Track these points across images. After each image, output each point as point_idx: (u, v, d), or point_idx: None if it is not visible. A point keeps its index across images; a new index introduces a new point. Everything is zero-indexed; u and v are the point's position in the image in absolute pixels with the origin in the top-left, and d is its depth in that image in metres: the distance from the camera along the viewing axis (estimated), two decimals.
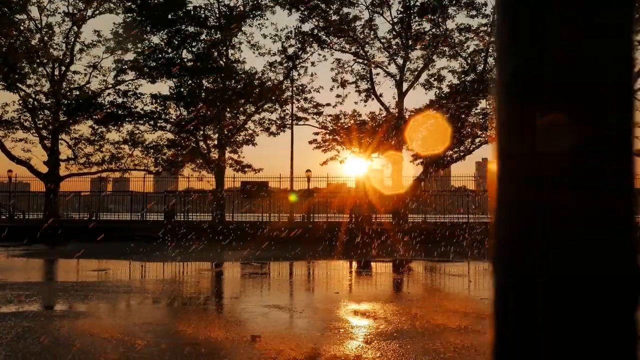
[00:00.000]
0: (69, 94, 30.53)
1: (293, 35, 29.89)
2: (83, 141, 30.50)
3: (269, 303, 8.98)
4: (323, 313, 8.17)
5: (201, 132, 29.39)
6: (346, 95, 30.93)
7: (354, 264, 15.83)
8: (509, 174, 0.50)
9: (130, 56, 29.66)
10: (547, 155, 0.49)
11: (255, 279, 13.10)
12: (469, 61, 28.58)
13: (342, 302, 9.08)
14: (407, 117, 29.19)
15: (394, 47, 29.69)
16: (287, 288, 11.50)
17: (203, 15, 28.28)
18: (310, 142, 30.56)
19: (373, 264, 16.00)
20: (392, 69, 30.29)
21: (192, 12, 27.92)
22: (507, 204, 0.49)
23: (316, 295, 10.63)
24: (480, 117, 28.37)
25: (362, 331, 6.81)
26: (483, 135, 29.01)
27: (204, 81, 28.78)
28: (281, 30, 31.58)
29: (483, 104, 28.10)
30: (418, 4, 27.90)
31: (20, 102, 30.02)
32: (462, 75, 28.48)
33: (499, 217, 0.49)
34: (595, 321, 0.46)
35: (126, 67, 29.42)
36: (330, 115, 30.62)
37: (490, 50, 28.25)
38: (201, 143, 29.48)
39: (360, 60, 30.46)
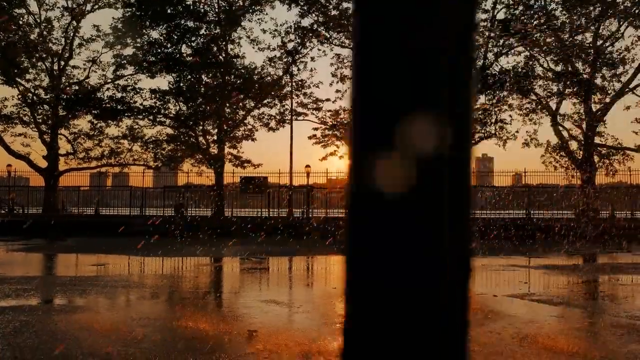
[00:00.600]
0: (68, 88, 30.48)
1: (292, 30, 29.85)
2: (82, 136, 30.49)
3: (267, 298, 9.00)
4: (321, 308, 8.20)
5: (200, 127, 29.37)
6: (346, 90, 30.88)
7: None
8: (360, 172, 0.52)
9: (129, 51, 29.64)
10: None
11: (254, 273, 13.12)
12: None
13: (341, 298, 9.10)
14: None
15: None
16: (285, 283, 11.52)
17: (202, 10, 28.22)
18: (310, 138, 30.57)
19: None
20: None
21: (191, 7, 27.85)
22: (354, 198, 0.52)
23: (314, 290, 10.65)
24: (480, 112, 28.34)
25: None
26: (482, 131, 29.00)
27: (203, 76, 28.74)
28: (281, 25, 31.50)
29: (482, 99, 28.08)
30: None
31: (20, 96, 30.00)
32: None
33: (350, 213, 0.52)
34: (424, 304, 0.49)
35: (125, 62, 29.38)
36: (329, 111, 30.63)
37: (489, 46, 28.19)
38: (200, 138, 29.46)
39: None
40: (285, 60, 30.19)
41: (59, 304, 8.51)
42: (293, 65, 29.99)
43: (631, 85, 28.48)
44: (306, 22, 29.46)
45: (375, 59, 0.53)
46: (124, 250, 17.23)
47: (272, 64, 30.37)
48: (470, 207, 0.53)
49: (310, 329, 6.68)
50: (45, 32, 30.45)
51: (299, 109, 30.39)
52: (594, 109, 29.07)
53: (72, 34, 30.93)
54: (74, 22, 30.90)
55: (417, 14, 0.50)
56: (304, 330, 6.56)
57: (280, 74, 30.29)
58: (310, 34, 29.40)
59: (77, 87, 30.42)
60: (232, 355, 5.43)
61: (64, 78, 31.00)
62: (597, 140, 29.45)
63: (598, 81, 28.94)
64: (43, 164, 30.23)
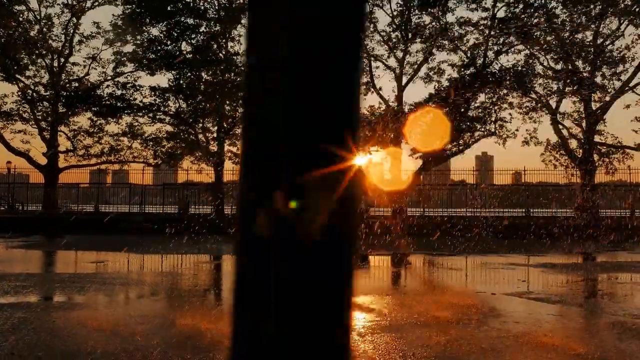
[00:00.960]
0: (68, 85, 30.45)
1: None
2: (82, 133, 30.47)
3: None
4: None
5: (200, 125, 29.34)
6: None
7: (358, 257, 15.83)
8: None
9: (129, 48, 29.60)
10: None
11: None
12: (468, 55, 28.47)
13: None
14: (406, 110, 29.15)
15: (394, 40, 29.61)
16: None
17: (202, 7, 28.17)
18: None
19: (369, 257, 16.00)
20: (392, 62, 30.24)
21: (191, 4, 27.80)
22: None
23: None
24: (480, 110, 28.32)
25: (355, 323, 6.83)
26: (482, 129, 28.97)
27: (203, 74, 28.69)
28: None
29: (482, 97, 28.06)
30: None
31: (19, 93, 29.98)
32: (462, 69, 28.38)
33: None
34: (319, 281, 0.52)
35: (125, 59, 29.34)
36: None
37: (490, 44, 28.15)
38: (200, 135, 29.45)
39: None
40: None
41: (57, 301, 8.53)
42: None
43: (631, 84, 28.46)
44: None
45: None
46: (123, 248, 17.24)
47: None
48: (353, 215, 0.53)
49: None
50: (45, 29, 30.42)
51: None
52: (593, 108, 29.05)
53: (72, 31, 30.92)
54: (74, 19, 30.88)
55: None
56: None
57: None
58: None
59: (77, 84, 30.40)
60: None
61: (63, 75, 30.97)
62: (596, 138, 29.43)
63: (598, 80, 28.90)
64: (43, 160, 30.26)
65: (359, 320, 7.09)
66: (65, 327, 6.81)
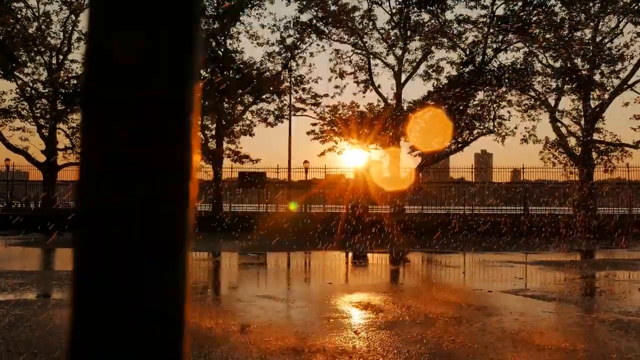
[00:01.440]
0: (66, 82, 30.43)
1: (292, 25, 29.78)
2: None
3: (261, 293, 9.03)
4: (315, 303, 8.22)
5: (199, 122, 29.29)
6: (344, 86, 30.97)
7: (349, 255, 15.87)
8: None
9: None
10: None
11: (250, 269, 13.15)
12: (467, 52, 28.47)
13: (335, 293, 9.13)
14: (405, 108, 29.16)
15: (393, 38, 29.59)
16: (281, 278, 11.55)
17: (201, 5, 28.10)
18: (308, 133, 30.56)
19: (367, 255, 16.04)
20: (391, 60, 30.23)
21: None
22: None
23: (309, 285, 10.68)
24: (478, 108, 28.34)
25: (351, 321, 6.85)
26: (481, 127, 28.99)
27: (201, 71, 28.65)
28: (280, 20, 31.47)
29: (480, 95, 28.08)
30: None
31: (18, 90, 29.96)
32: (461, 67, 28.39)
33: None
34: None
35: None
36: (328, 106, 30.60)
37: (489, 42, 28.15)
38: (199, 133, 29.42)
39: (359, 51, 30.39)
40: (284, 55, 30.15)
41: (54, 299, 8.54)
42: (292, 61, 29.95)
43: (630, 82, 28.45)
44: (305, 17, 29.40)
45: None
46: None
47: (271, 59, 30.35)
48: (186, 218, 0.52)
49: (302, 323, 6.71)
50: (43, 26, 30.40)
51: (298, 105, 30.41)
52: (592, 106, 29.05)
53: (70, 28, 30.90)
54: (73, 16, 30.86)
55: None
56: (296, 325, 6.59)
57: (279, 69, 30.26)
58: (309, 29, 29.35)
59: (75, 81, 30.37)
60: (224, 347, 5.46)
61: (62, 72, 30.95)
62: (595, 136, 29.45)
63: (597, 77, 28.90)
64: (41, 158, 30.23)
65: (356, 317, 7.11)
66: (61, 324, 6.82)
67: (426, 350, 5.44)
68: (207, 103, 28.27)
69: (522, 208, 29.39)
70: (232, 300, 8.58)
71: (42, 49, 30.32)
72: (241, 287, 10.28)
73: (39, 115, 30.06)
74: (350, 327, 6.51)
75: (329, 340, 5.83)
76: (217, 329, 6.32)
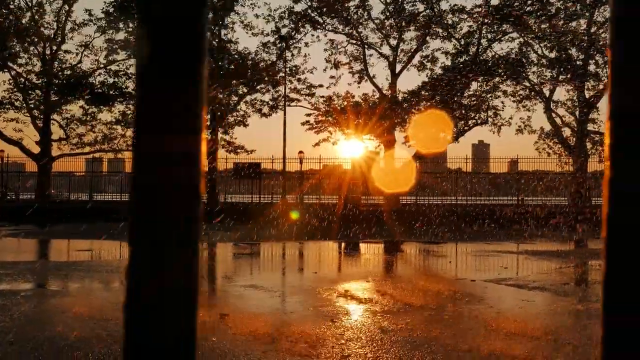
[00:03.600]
0: (60, 73, 30.32)
1: (286, 15, 29.66)
2: (75, 121, 30.40)
3: (245, 283, 9.11)
4: (298, 292, 8.30)
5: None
6: (339, 77, 30.81)
7: (338, 245, 15.93)
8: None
9: (121, 35, 29.45)
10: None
11: (240, 259, 13.23)
12: (462, 43, 28.40)
13: (319, 282, 9.19)
14: (400, 98, 29.13)
15: (387, 28, 29.48)
16: (268, 269, 11.63)
17: None
18: (303, 124, 30.52)
19: (356, 245, 16.09)
20: (386, 50, 30.13)
21: None
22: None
23: (293, 275, 10.76)
24: (473, 99, 28.32)
25: (330, 309, 6.92)
26: (476, 118, 28.99)
27: None
28: (275, 10, 31.27)
29: (475, 86, 28.05)
30: None
31: (11, 81, 29.88)
32: (456, 57, 28.33)
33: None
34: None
35: (117, 46, 29.21)
36: (322, 97, 30.55)
37: (483, 32, 28.07)
38: None
39: (354, 41, 30.28)
40: (279, 45, 30.05)
41: (39, 289, 8.60)
42: (287, 51, 29.86)
43: None
44: (300, 7, 29.28)
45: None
46: (114, 236, 17.31)
47: (266, 49, 30.24)
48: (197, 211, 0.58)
49: (284, 311, 6.79)
50: (37, 17, 30.22)
51: (293, 95, 30.33)
52: (587, 96, 29.04)
53: (64, 18, 30.71)
54: (66, 6, 30.66)
55: None
56: (278, 313, 6.66)
57: (274, 59, 30.17)
58: (304, 20, 29.23)
59: (69, 72, 30.27)
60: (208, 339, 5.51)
61: (56, 63, 30.82)
62: (590, 127, 29.49)
63: (591, 68, 28.87)
64: (36, 149, 30.20)
65: (338, 305, 7.18)
66: (43, 313, 6.90)
67: (399, 338, 5.51)
68: None
69: (516, 198, 29.49)
70: (216, 289, 8.65)
71: (36, 40, 30.18)
72: (226, 276, 10.35)
73: (32, 106, 29.99)
74: (328, 315, 6.57)
75: (306, 328, 5.89)
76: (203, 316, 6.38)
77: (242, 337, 5.56)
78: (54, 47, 30.63)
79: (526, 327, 5.95)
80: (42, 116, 30.06)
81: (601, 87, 29.01)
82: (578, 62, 28.58)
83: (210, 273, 10.88)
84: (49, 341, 5.36)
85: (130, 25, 28.56)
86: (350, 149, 31.28)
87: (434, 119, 26.65)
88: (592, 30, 28.61)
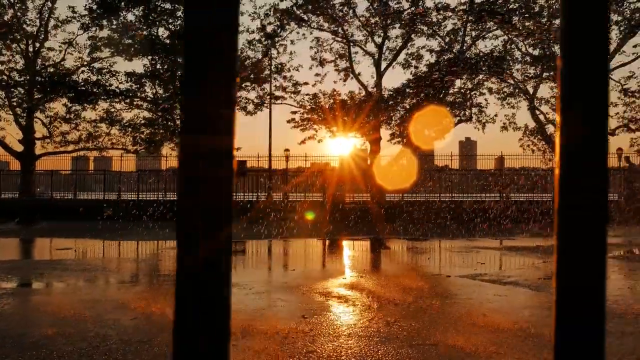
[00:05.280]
0: (43, 71, 30.03)
1: (272, 12, 29.60)
2: (58, 119, 30.13)
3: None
4: (272, 288, 8.33)
5: (179, 111, 29.15)
6: (325, 74, 30.89)
7: (319, 242, 15.96)
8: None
9: (105, 33, 29.19)
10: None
11: None
12: (446, 40, 28.55)
13: (295, 279, 9.23)
14: (385, 96, 29.20)
15: (372, 25, 29.54)
16: (244, 265, 11.64)
17: None
18: (289, 122, 30.48)
19: (336, 242, 16.12)
20: (371, 47, 30.19)
21: None
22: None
23: (270, 272, 10.79)
24: (457, 96, 28.49)
25: (300, 305, 6.96)
26: (460, 114, 29.15)
27: (180, 59, 28.40)
28: (260, 7, 31.20)
29: (459, 83, 28.20)
30: None
31: None
32: (440, 55, 28.46)
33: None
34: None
35: (101, 44, 28.96)
36: (308, 95, 30.55)
37: (467, 29, 28.22)
38: (178, 122, 29.27)
39: (339, 39, 30.31)
40: (264, 43, 29.98)
41: (11, 287, 8.54)
42: (272, 49, 29.81)
43: None
44: (285, 4, 29.28)
45: None
46: (96, 234, 17.24)
47: (251, 47, 30.17)
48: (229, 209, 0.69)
49: (254, 308, 6.81)
50: (19, 14, 29.90)
51: (278, 93, 30.30)
52: None
53: (47, 15, 30.41)
54: (49, 3, 30.37)
55: None
56: (247, 310, 6.69)
57: (260, 57, 30.11)
58: (289, 17, 29.19)
59: (52, 70, 29.98)
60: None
61: (39, 60, 30.53)
62: None
63: None
64: (19, 147, 29.90)
65: (308, 301, 7.22)
66: (15, 311, 6.87)
67: (366, 333, 5.56)
68: None
69: (499, 195, 29.73)
70: None
71: (18, 37, 29.86)
72: None
73: (15, 104, 29.67)
74: (299, 310, 6.61)
75: (276, 324, 5.93)
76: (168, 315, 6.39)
77: None
78: (37, 45, 30.33)
79: (494, 321, 6.03)
80: (24, 114, 29.76)
81: None
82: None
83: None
84: (18, 338, 5.35)
85: (114, 22, 28.36)
86: (336, 146, 31.34)
87: (420, 117, 26.78)
88: None
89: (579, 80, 0.63)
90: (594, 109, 0.63)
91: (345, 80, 30.69)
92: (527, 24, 28.13)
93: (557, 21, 25.92)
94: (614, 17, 27.67)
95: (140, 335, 5.49)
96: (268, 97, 29.72)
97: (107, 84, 28.46)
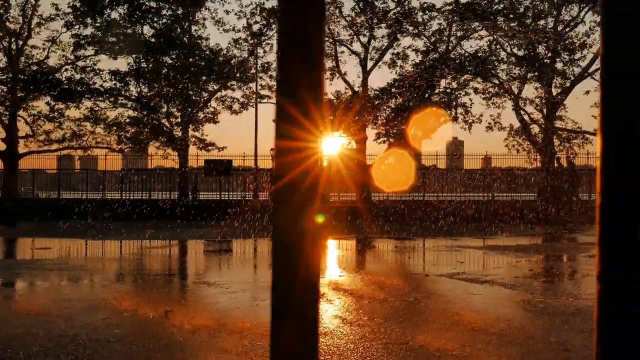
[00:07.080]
0: (26, 69, 29.68)
1: (258, 11, 29.54)
2: (42, 118, 29.80)
3: (199, 280, 9.09)
4: (249, 288, 8.32)
5: (164, 110, 28.99)
6: None
7: None
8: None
9: (89, 31, 28.91)
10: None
11: (208, 256, 13.18)
12: (431, 40, 28.68)
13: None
14: (371, 95, 29.26)
15: (358, 25, 29.58)
16: (223, 265, 11.62)
17: None
18: (274, 121, 30.41)
19: (325, 241, 16.13)
20: (357, 47, 30.25)
21: None
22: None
23: (248, 271, 10.77)
24: (442, 96, 28.63)
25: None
26: (446, 114, 29.27)
27: (165, 58, 28.26)
28: (246, 6, 31.05)
29: (445, 83, 28.35)
30: None
31: None
32: (426, 55, 28.59)
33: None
34: None
35: (84, 42, 28.68)
36: None
37: (453, 30, 28.38)
38: (164, 120, 29.10)
39: (325, 39, 30.31)
40: (250, 42, 29.91)
41: None
42: (258, 47, 29.74)
43: (590, 70, 28.98)
44: (271, 3, 29.20)
45: None
46: (78, 234, 17.10)
47: (237, 45, 30.09)
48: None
49: (237, 306, 6.80)
50: (1, 11, 29.53)
51: (264, 92, 30.25)
52: (554, 93, 29.58)
53: (30, 13, 30.08)
54: (32, 0, 30.04)
55: None
56: (222, 306, 6.67)
57: (246, 55, 30.04)
58: (275, 16, 29.14)
59: (35, 68, 29.64)
60: (159, 334, 5.50)
61: (23, 58, 30.17)
62: (557, 124, 30.01)
63: (559, 66, 29.40)
64: (2, 146, 29.56)
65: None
66: None
67: (340, 332, 5.57)
68: (171, 90, 27.96)
69: (484, 194, 29.94)
70: (170, 286, 8.61)
71: (1, 34, 29.50)
72: (187, 273, 10.32)
73: None
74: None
75: (253, 323, 5.92)
76: (147, 312, 6.36)
77: (191, 328, 5.57)
78: (20, 42, 29.99)
79: (466, 319, 6.07)
80: (7, 112, 29.40)
81: (567, 84, 29.59)
82: (545, 60, 29.12)
83: (170, 269, 10.83)
84: None
85: (98, 20, 28.11)
86: (324, 146, 31.25)
87: (406, 116, 26.88)
88: (559, 28, 29.15)
89: (622, 80, 0.63)
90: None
91: (331, 80, 30.71)
92: (512, 24, 28.35)
93: (542, 22, 26.07)
94: None
95: (110, 334, 5.45)
96: (254, 96, 29.66)
97: (91, 82, 28.23)
